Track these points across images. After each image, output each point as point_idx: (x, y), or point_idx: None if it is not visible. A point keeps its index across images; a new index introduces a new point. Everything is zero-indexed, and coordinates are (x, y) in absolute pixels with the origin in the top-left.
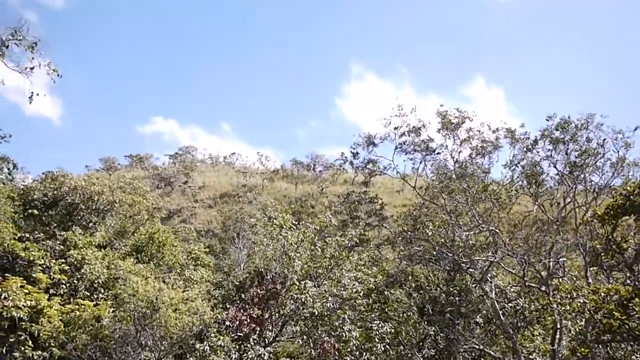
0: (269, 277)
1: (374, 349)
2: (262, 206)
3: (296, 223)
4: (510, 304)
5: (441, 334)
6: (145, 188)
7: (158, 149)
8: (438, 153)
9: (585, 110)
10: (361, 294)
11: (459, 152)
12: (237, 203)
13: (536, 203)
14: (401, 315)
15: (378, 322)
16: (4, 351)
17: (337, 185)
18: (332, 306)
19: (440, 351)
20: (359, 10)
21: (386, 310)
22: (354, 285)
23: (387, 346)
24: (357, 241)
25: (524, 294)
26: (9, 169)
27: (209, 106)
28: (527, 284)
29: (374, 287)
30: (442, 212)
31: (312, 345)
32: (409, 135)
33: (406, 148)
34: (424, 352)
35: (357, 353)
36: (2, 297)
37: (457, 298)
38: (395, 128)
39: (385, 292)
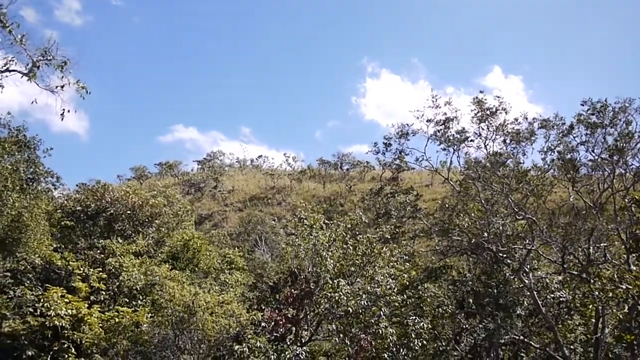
0: (302, 277)
1: (411, 344)
2: (292, 207)
3: (327, 222)
4: (551, 294)
5: (479, 327)
6: (177, 196)
7: (180, 157)
8: (471, 140)
9: (618, 95)
10: (395, 290)
11: (493, 141)
12: (266, 205)
13: (574, 189)
14: (436, 309)
15: (414, 317)
16: (48, 359)
17: (365, 182)
18: (366, 304)
19: (479, 344)
20: (369, 8)
21: (421, 305)
22: (387, 281)
23: (424, 342)
24: (390, 237)
25: (564, 283)
26: (52, 183)
27: (227, 111)
28: (567, 272)
29: (408, 282)
30: (477, 202)
31: (348, 343)
32: (443, 126)
33: (440, 138)
34: (462, 346)
35: (394, 349)
36: (44, 307)
37: (495, 289)
38: (428, 120)
39: (419, 287)
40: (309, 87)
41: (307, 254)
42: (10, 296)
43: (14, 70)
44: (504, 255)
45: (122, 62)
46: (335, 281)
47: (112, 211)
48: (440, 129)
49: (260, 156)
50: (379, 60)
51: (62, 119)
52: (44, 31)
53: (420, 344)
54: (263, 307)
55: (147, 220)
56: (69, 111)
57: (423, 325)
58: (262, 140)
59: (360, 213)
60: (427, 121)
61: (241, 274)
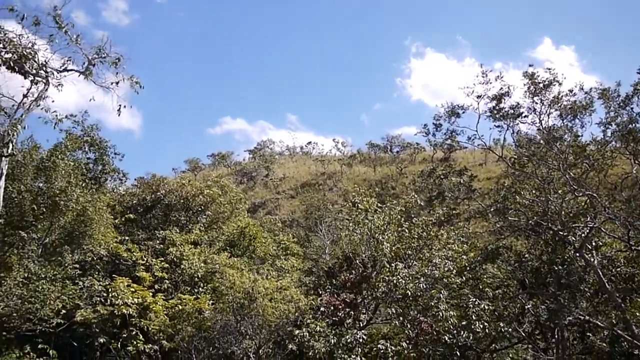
0: (358, 262)
1: (472, 326)
2: (343, 192)
3: (380, 206)
4: (617, 271)
5: (542, 307)
6: (231, 185)
7: (231, 148)
8: (525, 116)
9: None
10: (454, 272)
11: (548, 115)
12: (317, 191)
13: (636, 161)
14: (496, 290)
15: (474, 299)
16: (118, 345)
17: (416, 164)
18: (424, 286)
19: (542, 324)
20: None
21: (480, 286)
22: (445, 263)
23: (485, 323)
24: (445, 219)
25: (630, 260)
26: (120, 179)
27: (273, 100)
28: (633, 248)
29: (466, 264)
30: (533, 179)
31: (408, 326)
32: (495, 101)
33: (493, 114)
34: (524, 327)
35: (455, 332)
36: (112, 296)
37: (557, 269)
38: (479, 97)
39: (477, 269)
40: (353, 71)
41: (363, 238)
42: (80, 287)
43: (71, 70)
44: (565, 234)
45: (168, 58)
46: (392, 265)
47: (167, 202)
48: (493, 105)
49: (310, 143)
50: (422, 40)
51: (119, 115)
52: (94, 32)
53: (481, 326)
54: (320, 292)
55: (200, 209)
56: (124, 107)
57: (484, 306)
58: (308, 127)
59: (415, 195)
60: (477, 97)
61: (296, 260)
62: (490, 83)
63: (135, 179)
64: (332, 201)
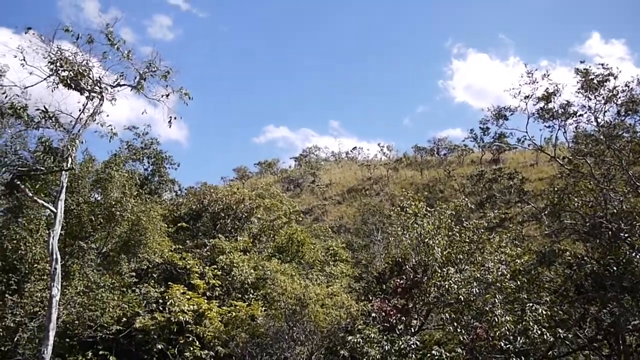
0: (408, 267)
1: (529, 332)
2: (390, 197)
3: (429, 209)
4: None
5: (604, 311)
6: (281, 194)
7: (275, 156)
8: (580, 115)
9: None
10: (507, 276)
11: (604, 113)
12: (364, 196)
13: None
14: (553, 294)
15: (530, 304)
16: (175, 352)
17: (464, 166)
18: (477, 291)
19: (604, 330)
20: None
21: (536, 290)
22: (498, 267)
23: (543, 329)
24: (498, 222)
25: None
26: (175, 191)
27: (315, 107)
28: None
29: (520, 268)
30: (590, 179)
31: (462, 332)
32: (544, 101)
33: (543, 115)
34: (585, 332)
35: (511, 337)
36: (169, 303)
37: (617, 271)
38: (526, 97)
39: (532, 272)
40: (394, 75)
41: (412, 242)
42: (137, 294)
43: (124, 84)
44: (626, 235)
45: (211, 71)
46: (444, 269)
47: (212, 210)
48: (542, 105)
49: (355, 148)
50: (464, 41)
51: (170, 126)
52: (140, 48)
53: (539, 332)
54: (370, 298)
55: (245, 216)
56: (174, 118)
57: (541, 311)
58: (351, 132)
59: (465, 199)
60: (524, 98)
61: (345, 266)
62: (537, 82)
63: (185, 189)
64: (379, 206)
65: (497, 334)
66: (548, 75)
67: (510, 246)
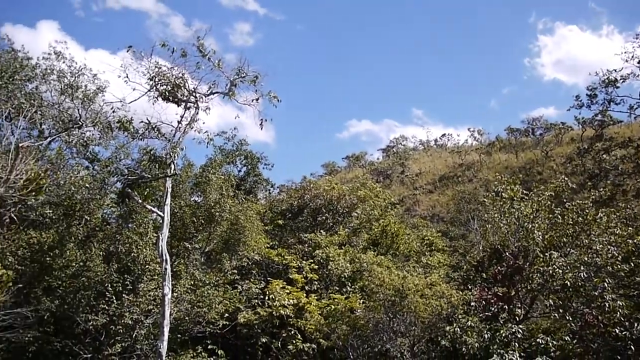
0: (507, 254)
1: None
2: (484, 182)
3: (526, 193)
4: None
5: None
6: (378, 188)
7: (360, 149)
8: None
9: None
10: (619, 259)
11: None
12: (457, 184)
13: None
14: None
15: None
16: (279, 345)
17: (562, 146)
18: (585, 275)
19: None
20: None
21: None
22: (608, 249)
23: None
24: (606, 197)
25: None
26: (268, 190)
27: (396, 97)
28: None
29: (634, 249)
30: None
31: (570, 319)
32: None
33: None
34: None
35: (627, 324)
36: (270, 298)
37: None
38: None
39: None
40: (477, 56)
41: (510, 228)
42: (239, 290)
43: (216, 92)
44: None
45: (291, 70)
46: (546, 254)
47: (313, 206)
48: None
49: (444, 135)
50: (549, 14)
51: (262, 128)
52: (224, 56)
53: None
54: (470, 287)
55: (345, 211)
56: (265, 120)
57: None
58: (436, 120)
59: (566, 178)
60: (639, 62)
61: (442, 255)
62: None
63: (278, 187)
64: (473, 193)
65: (611, 320)
66: None
67: (621, 226)
